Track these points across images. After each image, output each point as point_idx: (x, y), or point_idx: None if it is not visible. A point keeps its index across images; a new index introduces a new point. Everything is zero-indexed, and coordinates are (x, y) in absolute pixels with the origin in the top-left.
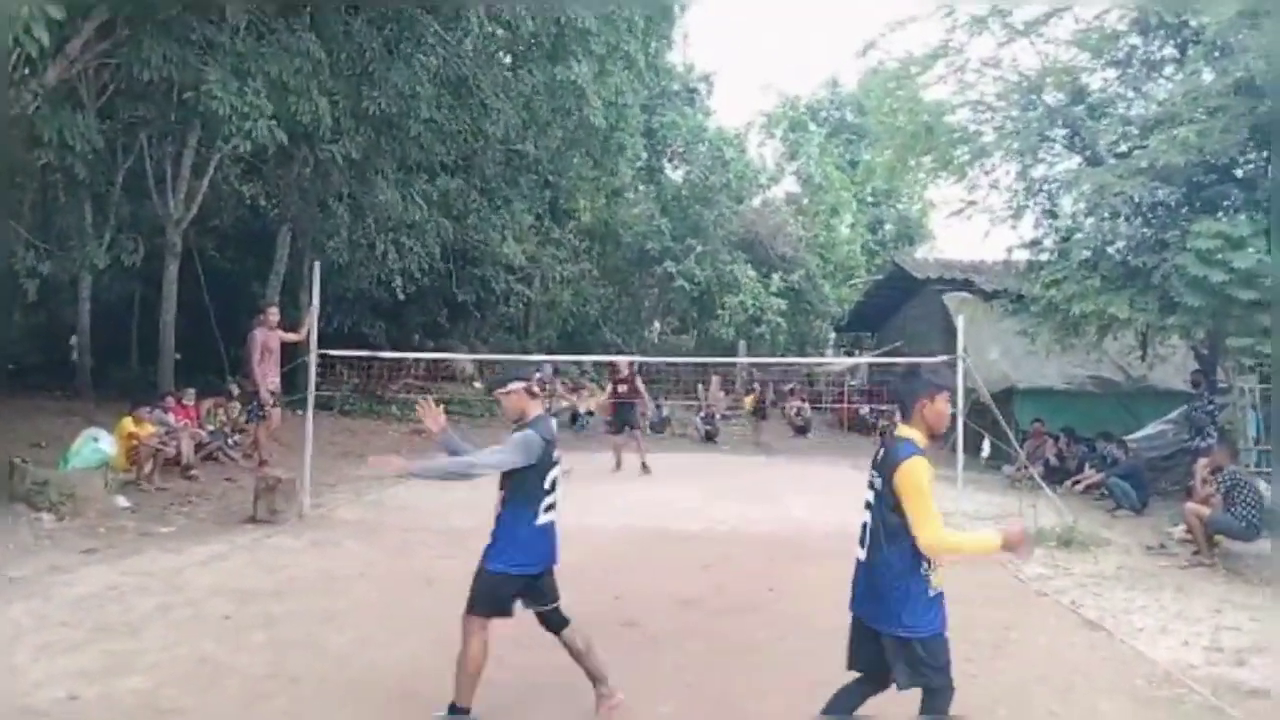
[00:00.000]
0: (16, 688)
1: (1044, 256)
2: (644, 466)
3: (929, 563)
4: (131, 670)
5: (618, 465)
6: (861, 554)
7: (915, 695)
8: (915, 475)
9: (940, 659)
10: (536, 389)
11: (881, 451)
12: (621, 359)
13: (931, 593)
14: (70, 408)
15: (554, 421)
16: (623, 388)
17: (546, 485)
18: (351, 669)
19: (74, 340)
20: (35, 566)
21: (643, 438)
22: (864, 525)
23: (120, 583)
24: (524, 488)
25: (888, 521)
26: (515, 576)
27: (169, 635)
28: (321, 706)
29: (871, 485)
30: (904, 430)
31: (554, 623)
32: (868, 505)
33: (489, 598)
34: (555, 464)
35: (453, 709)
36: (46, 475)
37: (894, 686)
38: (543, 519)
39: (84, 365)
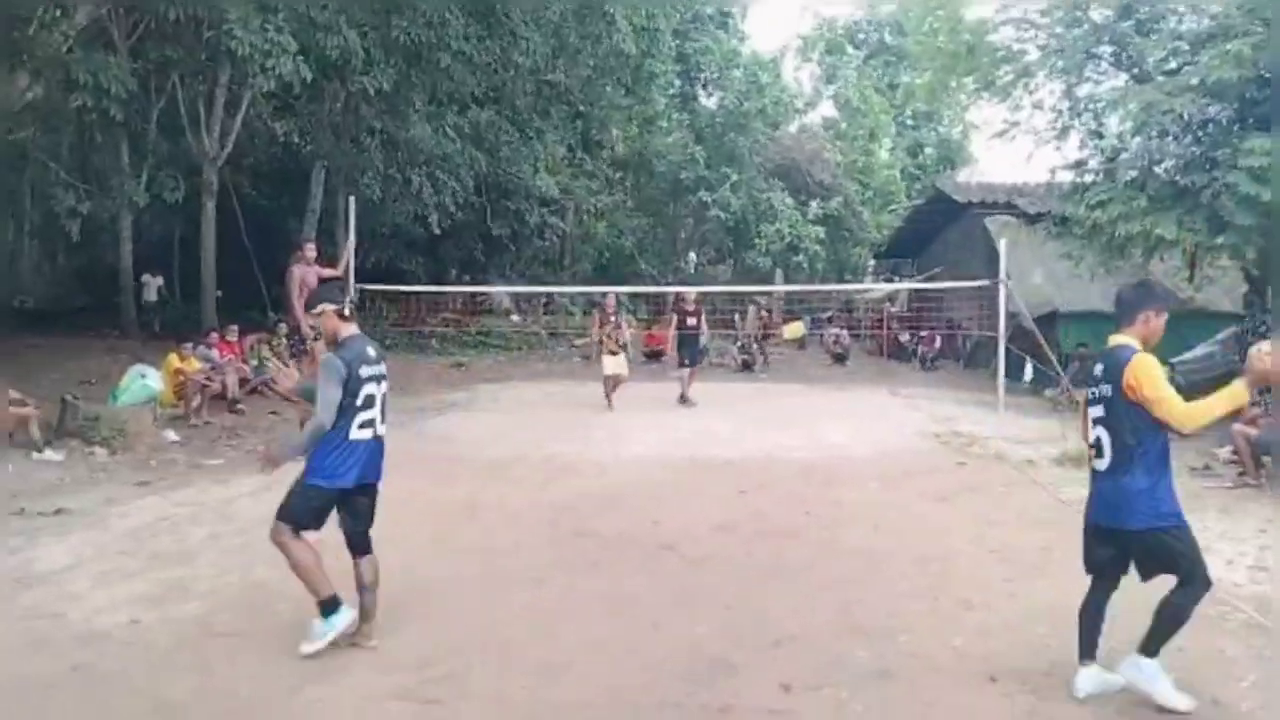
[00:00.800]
0: (81, 613)
1: (1089, 177)
2: (684, 398)
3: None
4: (188, 596)
5: (684, 398)
6: (1101, 465)
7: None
8: (1147, 365)
9: (1194, 544)
10: (347, 312)
11: (1100, 365)
12: (690, 290)
13: (1174, 485)
14: (117, 346)
15: (369, 345)
16: (691, 320)
17: (359, 403)
18: (397, 591)
19: (145, 278)
20: (92, 499)
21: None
22: (1097, 440)
23: (173, 513)
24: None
25: (1126, 423)
26: (326, 490)
27: (222, 563)
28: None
29: (1098, 400)
30: (1119, 338)
31: (357, 545)
32: (1097, 420)
33: (298, 508)
34: (370, 381)
35: (323, 609)
36: (98, 411)
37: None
38: (356, 434)
39: (128, 305)
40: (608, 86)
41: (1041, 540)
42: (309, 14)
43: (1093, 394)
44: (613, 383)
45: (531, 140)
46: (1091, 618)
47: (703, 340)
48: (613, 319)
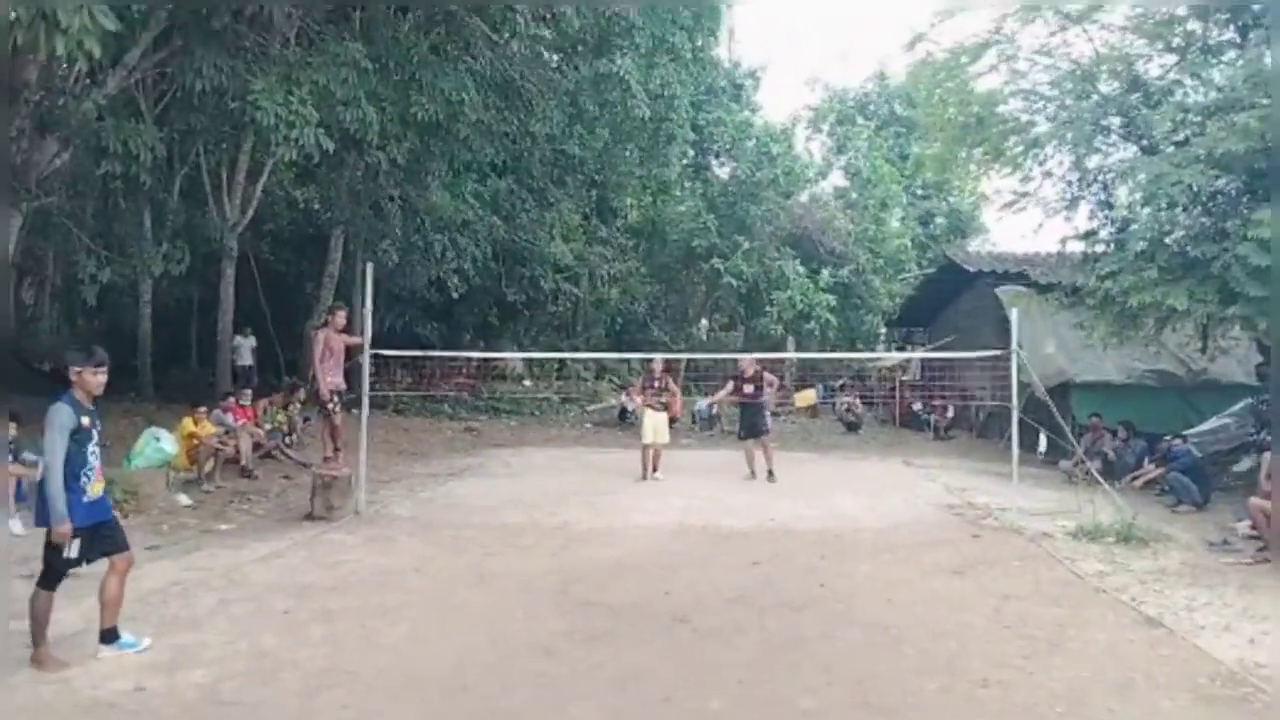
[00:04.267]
0: (86, 679)
1: (1099, 248)
2: (770, 474)
3: None
4: (195, 663)
5: (752, 473)
6: None
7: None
8: None
9: None
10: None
11: None
12: (746, 357)
13: None
14: (132, 408)
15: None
16: (748, 388)
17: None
18: (407, 663)
19: (237, 340)
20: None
21: (770, 443)
22: None
23: (183, 578)
24: None
25: None
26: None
27: (230, 629)
28: (378, 699)
29: None
30: None
31: None
32: None
33: None
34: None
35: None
36: (111, 474)
37: None
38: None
39: (144, 368)
40: (626, 151)
41: (1058, 616)
42: (330, 88)
43: None
44: (652, 452)
45: (548, 208)
46: None
47: (713, 408)
48: (657, 384)
